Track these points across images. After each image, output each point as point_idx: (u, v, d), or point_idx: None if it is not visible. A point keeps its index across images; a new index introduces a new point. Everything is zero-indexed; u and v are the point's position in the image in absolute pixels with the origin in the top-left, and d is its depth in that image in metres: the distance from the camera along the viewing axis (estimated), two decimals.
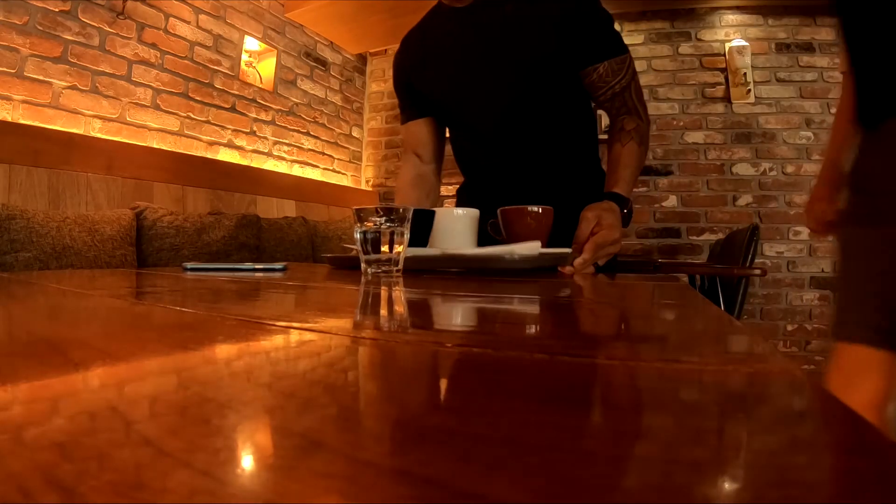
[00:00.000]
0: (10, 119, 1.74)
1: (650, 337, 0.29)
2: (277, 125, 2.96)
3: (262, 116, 2.86)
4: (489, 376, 0.20)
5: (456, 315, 0.36)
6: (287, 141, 3.03)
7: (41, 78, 1.83)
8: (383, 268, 0.67)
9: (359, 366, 0.22)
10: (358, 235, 0.68)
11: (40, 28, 1.83)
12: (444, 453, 0.11)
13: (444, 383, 0.19)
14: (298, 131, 3.13)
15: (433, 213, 0.88)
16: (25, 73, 1.79)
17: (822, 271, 2.77)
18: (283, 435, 0.13)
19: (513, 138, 1.06)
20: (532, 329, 0.32)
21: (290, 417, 0.14)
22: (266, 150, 2.87)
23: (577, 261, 0.80)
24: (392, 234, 0.67)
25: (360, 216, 0.67)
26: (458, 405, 0.16)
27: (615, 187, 0.94)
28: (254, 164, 2.76)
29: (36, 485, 0.09)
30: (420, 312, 0.37)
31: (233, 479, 0.10)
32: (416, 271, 0.78)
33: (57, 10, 1.88)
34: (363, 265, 0.68)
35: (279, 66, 2.98)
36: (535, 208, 0.90)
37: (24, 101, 1.78)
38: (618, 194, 0.92)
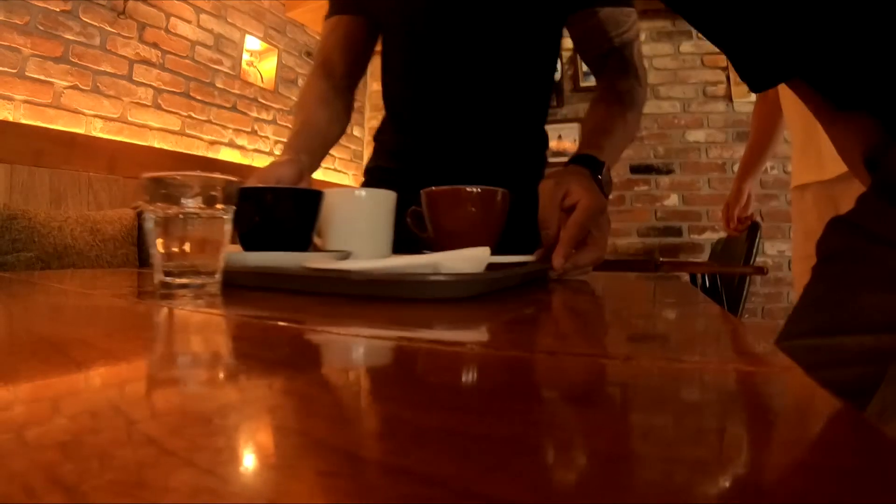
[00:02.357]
0: (11, 119, 1.74)
1: (652, 336, 0.29)
2: (279, 124, 2.96)
3: (264, 116, 2.86)
4: (490, 376, 0.20)
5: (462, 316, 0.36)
6: None
7: (42, 78, 1.83)
8: (188, 279, 0.40)
9: (360, 366, 0.22)
10: (149, 224, 0.40)
11: (41, 28, 1.83)
12: (446, 452, 0.11)
13: (445, 383, 0.19)
14: None
15: (320, 194, 0.56)
16: (27, 73, 1.79)
17: None
18: (283, 434, 0.13)
19: (464, 70, 0.83)
20: (535, 328, 0.32)
21: (290, 417, 0.14)
22: (267, 150, 2.87)
23: (556, 261, 0.55)
24: (202, 223, 0.41)
25: (153, 191, 0.40)
26: (460, 405, 0.16)
27: (585, 149, 0.70)
28: (255, 164, 2.76)
29: (39, 484, 0.09)
30: (415, 311, 0.37)
31: (234, 478, 0.10)
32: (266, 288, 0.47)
33: (58, 10, 1.88)
34: (156, 275, 0.41)
35: (280, 65, 2.98)
36: (479, 189, 0.59)
37: (25, 101, 1.78)
38: (588, 156, 0.68)
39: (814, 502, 0.09)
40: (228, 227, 0.43)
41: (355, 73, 0.92)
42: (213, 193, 0.41)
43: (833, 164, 0.95)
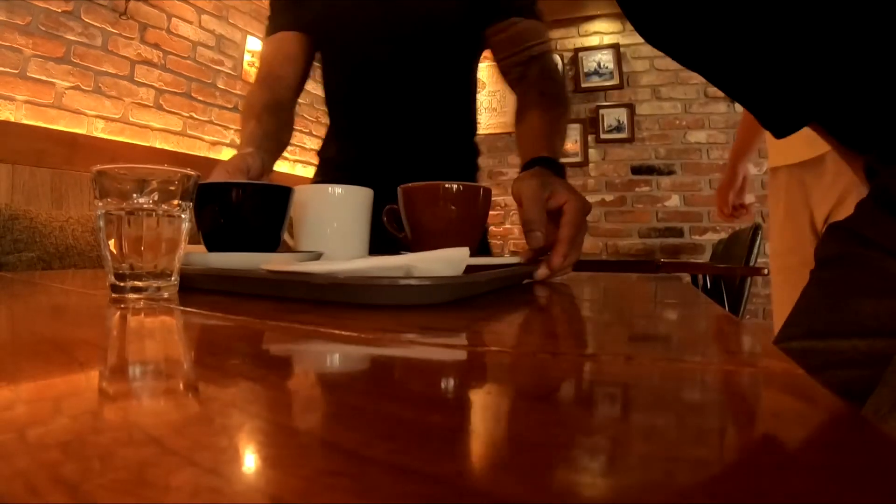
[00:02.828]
0: (13, 119, 1.74)
1: (653, 336, 0.29)
2: None
3: None
4: (492, 376, 0.20)
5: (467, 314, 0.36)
6: None
7: (44, 78, 1.84)
8: (142, 282, 0.37)
9: (360, 367, 0.22)
10: (101, 223, 0.37)
11: (43, 28, 1.83)
12: (448, 451, 0.12)
13: (448, 382, 0.19)
14: (301, 131, 3.13)
15: (289, 191, 0.53)
16: (28, 74, 1.79)
17: None
18: (285, 433, 0.13)
19: (399, 81, 0.90)
20: (534, 329, 0.32)
21: (291, 416, 0.14)
22: None
23: (556, 261, 0.56)
24: (157, 220, 0.38)
25: (104, 185, 0.37)
26: (462, 404, 0.16)
27: (543, 152, 0.71)
28: None
29: (42, 483, 0.09)
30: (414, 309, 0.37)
31: (236, 477, 0.10)
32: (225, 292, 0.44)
33: (59, 10, 1.88)
34: (111, 277, 0.38)
35: None
36: (459, 185, 0.55)
37: (27, 102, 1.78)
38: (547, 158, 0.69)
39: (814, 502, 0.09)
40: (186, 226, 0.40)
41: (298, 87, 0.95)
42: (171, 188, 0.38)
43: (802, 149, 0.95)
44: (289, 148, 2.76)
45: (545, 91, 0.83)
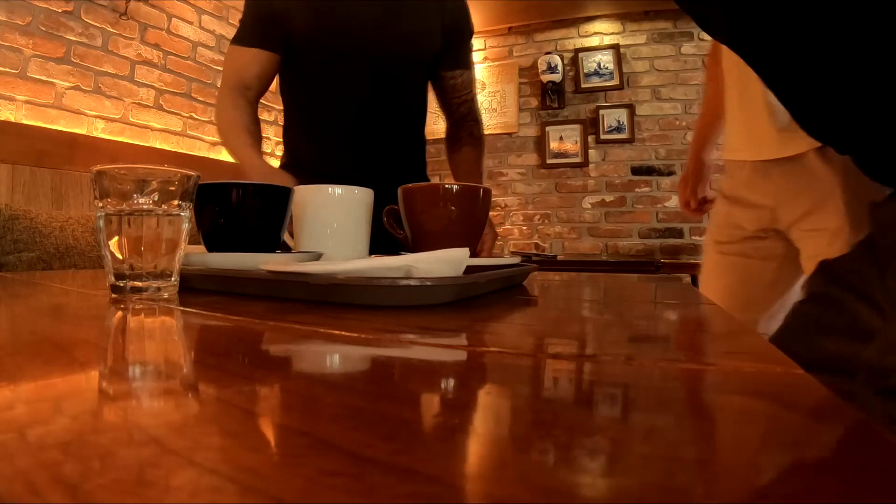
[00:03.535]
0: (13, 119, 1.74)
1: (653, 337, 0.29)
2: (280, 125, 2.96)
3: (265, 117, 2.86)
4: (492, 377, 0.20)
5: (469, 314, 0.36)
6: None
7: (44, 78, 1.84)
8: (142, 282, 0.38)
9: (361, 367, 0.22)
10: (101, 223, 0.37)
11: (43, 28, 1.83)
12: (449, 452, 0.12)
13: (447, 383, 0.19)
14: None
15: (288, 191, 0.54)
16: (28, 74, 1.79)
17: None
18: (286, 433, 0.13)
19: (367, 103, 1.02)
20: (535, 330, 0.32)
21: (293, 415, 0.14)
22: (269, 151, 2.87)
23: None
24: (157, 221, 0.37)
25: (104, 186, 0.37)
26: (462, 405, 0.16)
27: None
28: None
29: (42, 483, 0.09)
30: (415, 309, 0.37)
31: (237, 477, 0.10)
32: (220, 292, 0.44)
33: (60, 10, 1.88)
34: (110, 278, 0.38)
35: None
36: (458, 186, 0.56)
37: (27, 102, 1.79)
38: None
39: (814, 502, 0.09)
40: (186, 226, 0.40)
41: (259, 98, 1.06)
42: (171, 188, 0.38)
43: (769, 148, 0.90)
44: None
45: (473, 133, 1.12)
